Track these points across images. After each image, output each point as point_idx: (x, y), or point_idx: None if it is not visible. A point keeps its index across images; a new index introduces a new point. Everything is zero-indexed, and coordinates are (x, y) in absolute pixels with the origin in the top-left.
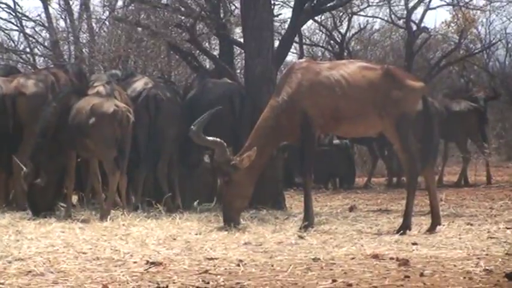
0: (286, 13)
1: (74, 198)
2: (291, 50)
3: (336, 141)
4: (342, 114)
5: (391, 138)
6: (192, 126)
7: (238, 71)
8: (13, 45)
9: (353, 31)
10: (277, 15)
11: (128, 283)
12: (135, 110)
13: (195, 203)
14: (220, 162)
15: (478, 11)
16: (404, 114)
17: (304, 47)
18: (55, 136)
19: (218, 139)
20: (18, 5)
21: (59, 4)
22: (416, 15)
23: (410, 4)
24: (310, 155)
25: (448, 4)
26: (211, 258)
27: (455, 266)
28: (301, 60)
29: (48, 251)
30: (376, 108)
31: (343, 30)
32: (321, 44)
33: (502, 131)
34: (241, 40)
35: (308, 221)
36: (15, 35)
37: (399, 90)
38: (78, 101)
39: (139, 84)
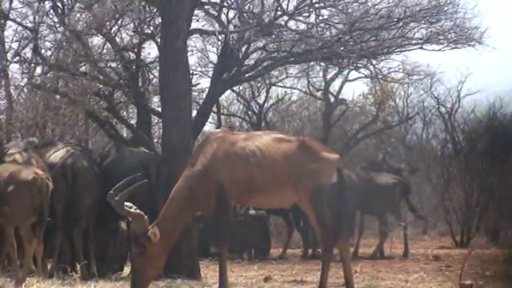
0: (204, 83)
1: None
2: (209, 120)
3: (251, 211)
4: (256, 185)
5: (306, 210)
6: (111, 192)
7: (156, 140)
8: None
9: (271, 102)
10: (195, 85)
11: None
12: (53, 178)
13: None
14: (137, 233)
15: (396, 84)
16: (319, 187)
17: (222, 117)
18: None
19: (138, 210)
20: None
21: None
22: (334, 86)
23: (329, 76)
24: (225, 225)
25: (366, 76)
26: None
27: None
28: (216, 131)
29: None
30: (291, 180)
31: (261, 101)
32: (238, 114)
33: (418, 205)
34: (159, 109)
35: None
36: None
37: (314, 162)
38: None
39: (57, 152)
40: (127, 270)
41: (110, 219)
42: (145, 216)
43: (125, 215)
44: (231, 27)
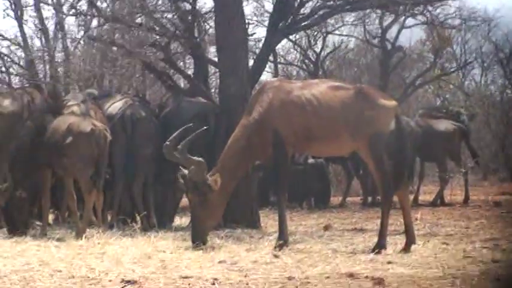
0: (260, 32)
1: (50, 217)
2: (266, 69)
3: (310, 160)
4: (313, 133)
5: (365, 158)
6: (168, 143)
7: (213, 90)
8: None
9: (328, 50)
10: (251, 35)
11: None
12: (111, 129)
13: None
14: (197, 181)
15: (453, 30)
16: (377, 134)
17: (279, 66)
18: (31, 155)
19: (199, 158)
20: None
21: (34, 24)
22: (391, 34)
23: (385, 23)
24: (284, 174)
25: (422, 23)
26: (186, 277)
27: (431, 285)
28: (272, 80)
29: (23, 269)
30: (349, 128)
31: (317, 49)
32: (295, 63)
33: (479, 150)
34: (216, 59)
35: (283, 239)
36: None
37: (372, 109)
38: (54, 120)
39: (116, 103)
40: (186, 220)
41: (169, 171)
42: (205, 164)
43: (185, 164)
44: None
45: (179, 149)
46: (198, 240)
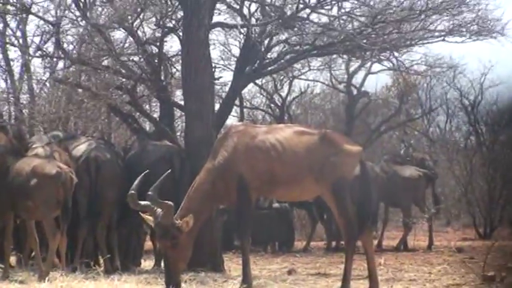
0: (227, 76)
1: (13, 259)
2: (232, 113)
3: (275, 204)
4: (277, 178)
5: (329, 203)
6: (133, 192)
7: (179, 133)
8: None
9: (294, 95)
10: (217, 78)
11: None
12: (76, 171)
13: None
14: (168, 225)
15: (419, 76)
16: (341, 179)
17: (245, 110)
18: None
19: (169, 202)
20: None
21: (0, 65)
22: (357, 79)
23: (351, 68)
24: (247, 219)
25: (389, 69)
26: None
27: None
28: (237, 124)
29: None
30: (313, 173)
31: (283, 94)
32: (261, 108)
33: (442, 197)
34: (182, 103)
35: (246, 283)
36: None
37: (336, 155)
38: (16, 162)
39: (80, 145)
40: (150, 263)
41: (132, 213)
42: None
43: (152, 209)
44: (253, 21)
45: (150, 195)
46: (172, 283)
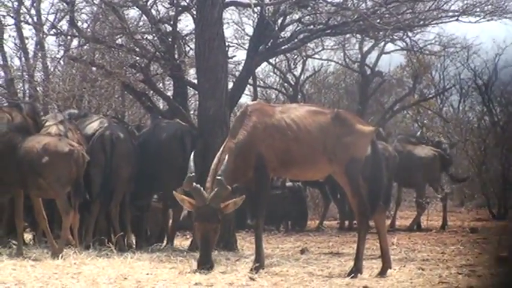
0: (240, 55)
1: (27, 237)
2: (245, 92)
3: (288, 183)
4: (292, 157)
5: (341, 183)
6: (192, 174)
7: (192, 112)
8: None
9: (307, 74)
10: (231, 57)
11: None
12: (90, 149)
13: None
14: (216, 208)
15: (433, 56)
16: (353, 159)
17: (258, 89)
18: None
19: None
20: None
21: (14, 43)
22: (370, 59)
23: (365, 48)
24: (263, 197)
25: (402, 49)
26: None
27: None
28: (253, 102)
29: None
30: (326, 153)
31: (297, 73)
32: (274, 87)
33: (455, 177)
34: (195, 81)
35: (259, 262)
36: None
37: (349, 134)
38: (29, 140)
39: (92, 123)
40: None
41: (145, 191)
42: None
43: (200, 192)
44: (267, 0)
45: (219, 179)
46: (208, 264)
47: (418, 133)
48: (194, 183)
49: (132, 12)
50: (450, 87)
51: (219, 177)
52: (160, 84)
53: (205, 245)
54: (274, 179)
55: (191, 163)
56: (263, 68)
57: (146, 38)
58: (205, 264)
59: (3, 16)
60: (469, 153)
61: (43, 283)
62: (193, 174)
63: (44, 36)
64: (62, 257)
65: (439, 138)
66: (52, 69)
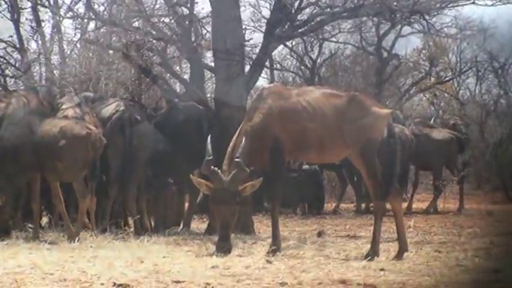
0: (257, 38)
1: (44, 220)
2: (262, 75)
3: (305, 166)
4: (309, 140)
5: (357, 165)
6: (210, 157)
7: (209, 95)
8: None
9: (324, 57)
10: (248, 40)
11: None
12: (108, 132)
13: None
14: (235, 190)
15: (449, 39)
16: (369, 142)
17: (275, 72)
18: (15, 158)
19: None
20: None
21: (31, 26)
22: (387, 42)
23: (381, 31)
24: (279, 180)
25: (419, 32)
26: (179, 282)
27: None
28: (270, 85)
29: (15, 271)
30: (342, 136)
31: (314, 56)
32: (291, 70)
33: (471, 160)
34: (212, 64)
35: (276, 245)
36: None
37: (364, 117)
38: (45, 123)
39: (109, 106)
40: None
41: (161, 174)
42: None
43: (218, 175)
44: None
45: (237, 161)
46: (226, 246)
47: (432, 120)
48: (212, 166)
49: None
50: (466, 70)
51: (237, 160)
52: (177, 67)
53: (224, 227)
54: (291, 162)
55: (208, 146)
56: (280, 51)
57: (163, 20)
58: (224, 247)
59: None
60: (485, 136)
61: (59, 266)
62: (211, 157)
63: (61, 19)
64: (78, 240)
65: (454, 121)
66: (68, 53)
